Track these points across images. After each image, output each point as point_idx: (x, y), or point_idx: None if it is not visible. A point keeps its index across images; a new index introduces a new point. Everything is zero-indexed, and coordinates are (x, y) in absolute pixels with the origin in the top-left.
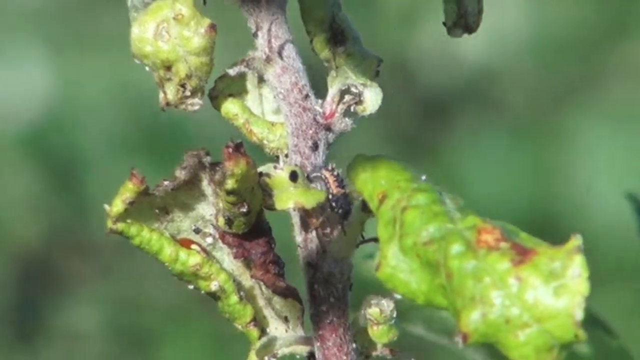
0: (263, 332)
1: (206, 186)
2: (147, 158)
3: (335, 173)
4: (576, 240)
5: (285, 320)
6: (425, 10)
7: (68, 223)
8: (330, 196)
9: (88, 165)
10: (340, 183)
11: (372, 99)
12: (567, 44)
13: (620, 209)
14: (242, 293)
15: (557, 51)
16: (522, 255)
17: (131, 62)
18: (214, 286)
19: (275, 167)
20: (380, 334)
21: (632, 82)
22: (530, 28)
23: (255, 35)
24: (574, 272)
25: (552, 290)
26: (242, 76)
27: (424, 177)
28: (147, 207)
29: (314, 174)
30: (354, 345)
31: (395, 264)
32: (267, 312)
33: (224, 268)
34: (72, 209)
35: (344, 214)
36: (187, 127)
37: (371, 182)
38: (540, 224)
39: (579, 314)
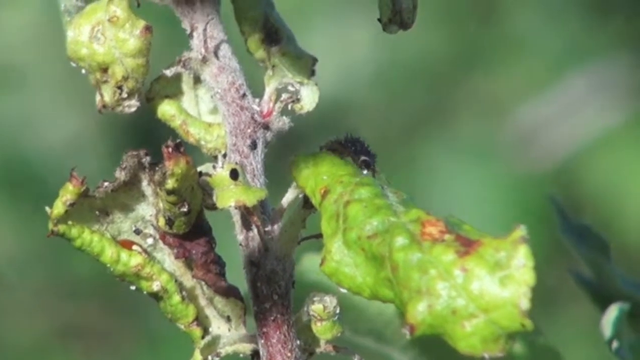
0: (206, 331)
1: (146, 186)
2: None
3: None
4: (521, 231)
5: (228, 319)
6: None
7: None
8: None
9: None
10: None
11: (309, 97)
12: (417, 76)
13: None
14: (184, 293)
15: (407, 83)
16: (467, 246)
17: None
18: (155, 286)
19: (214, 167)
20: (324, 330)
21: (481, 113)
22: (380, 59)
23: (190, 36)
24: (519, 262)
25: (497, 281)
26: (177, 77)
27: (365, 172)
28: (88, 208)
29: None
30: (298, 342)
31: (339, 258)
32: (209, 312)
33: (165, 268)
34: None
35: None
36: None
37: (313, 178)
38: None
39: (525, 304)
